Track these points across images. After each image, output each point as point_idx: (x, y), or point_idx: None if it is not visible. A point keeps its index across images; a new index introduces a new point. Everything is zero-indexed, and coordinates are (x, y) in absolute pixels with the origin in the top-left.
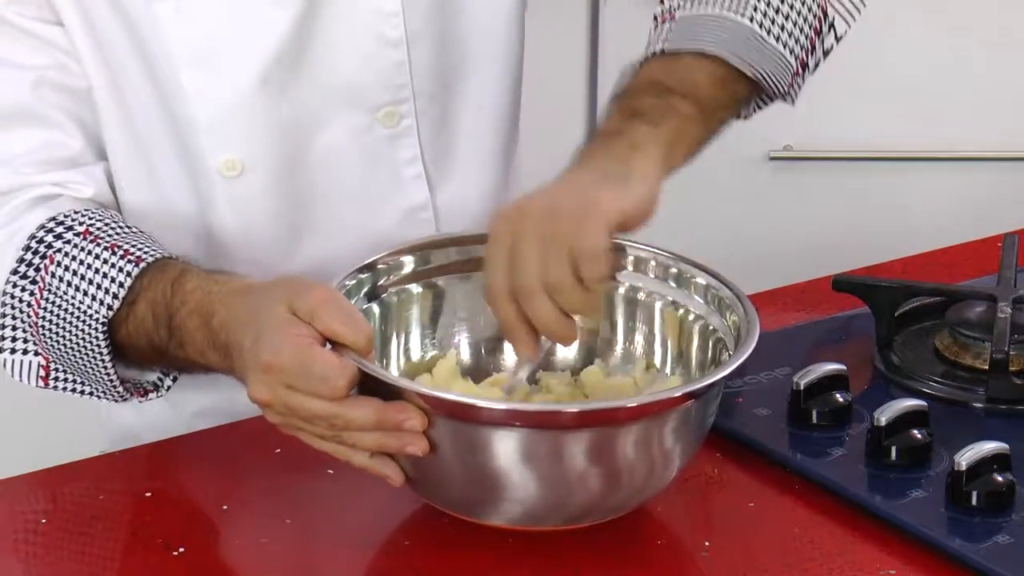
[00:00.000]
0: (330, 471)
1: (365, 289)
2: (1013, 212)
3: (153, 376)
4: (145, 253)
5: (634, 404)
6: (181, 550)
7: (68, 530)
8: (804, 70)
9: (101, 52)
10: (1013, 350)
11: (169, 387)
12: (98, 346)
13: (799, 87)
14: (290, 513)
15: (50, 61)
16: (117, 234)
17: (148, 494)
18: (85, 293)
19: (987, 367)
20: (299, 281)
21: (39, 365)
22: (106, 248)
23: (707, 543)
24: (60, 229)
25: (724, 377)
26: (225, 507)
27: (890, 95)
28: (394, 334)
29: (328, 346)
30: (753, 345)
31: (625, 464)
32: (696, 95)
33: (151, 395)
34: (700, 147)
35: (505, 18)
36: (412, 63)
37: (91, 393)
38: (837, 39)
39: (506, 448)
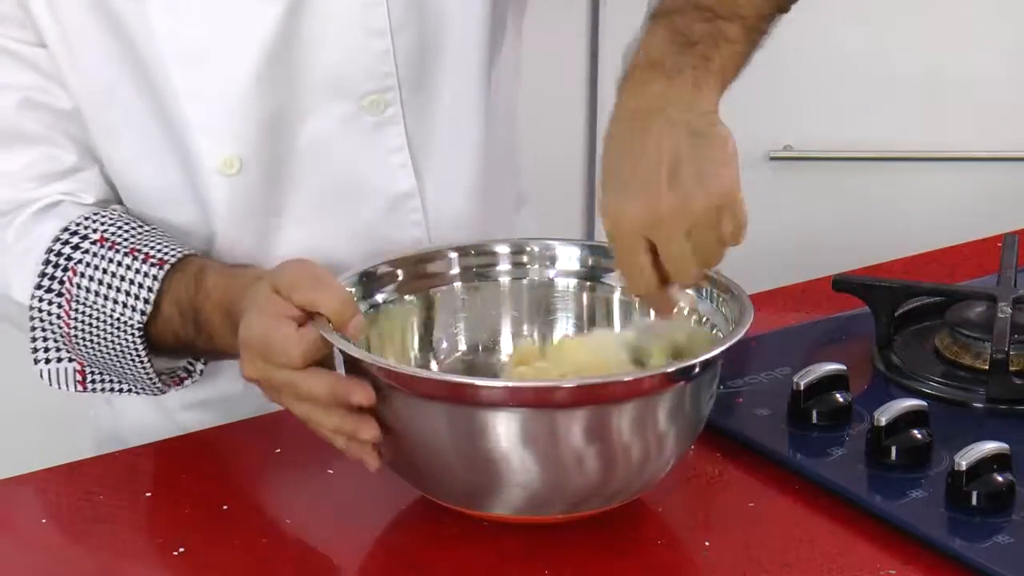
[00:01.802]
0: (330, 471)
1: (361, 296)
2: (1013, 212)
3: (183, 362)
4: (165, 254)
5: (629, 378)
6: (181, 550)
7: (68, 530)
8: None
9: (84, 68)
10: (1013, 350)
11: (201, 371)
12: (136, 350)
13: None
14: (290, 513)
15: (34, 82)
16: (133, 236)
17: (148, 494)
18: (115, 302)
19: (987, 367)
20: (286, 261)
21: (74, 370)
22: (127, 254)
23: (707, 543)
24: (76, 239)
25: (718, 355)
26: (225, 507)
27: (890, 95)
28: (390, 341)
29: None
30: (747, 326)
31: (620, 444)
32: (740, 14)
33: (186, 382)
34: (743, 69)
35: (479, 6)
36: (396, 52)
37: (129, 390)
38: None
39: (454, 423)
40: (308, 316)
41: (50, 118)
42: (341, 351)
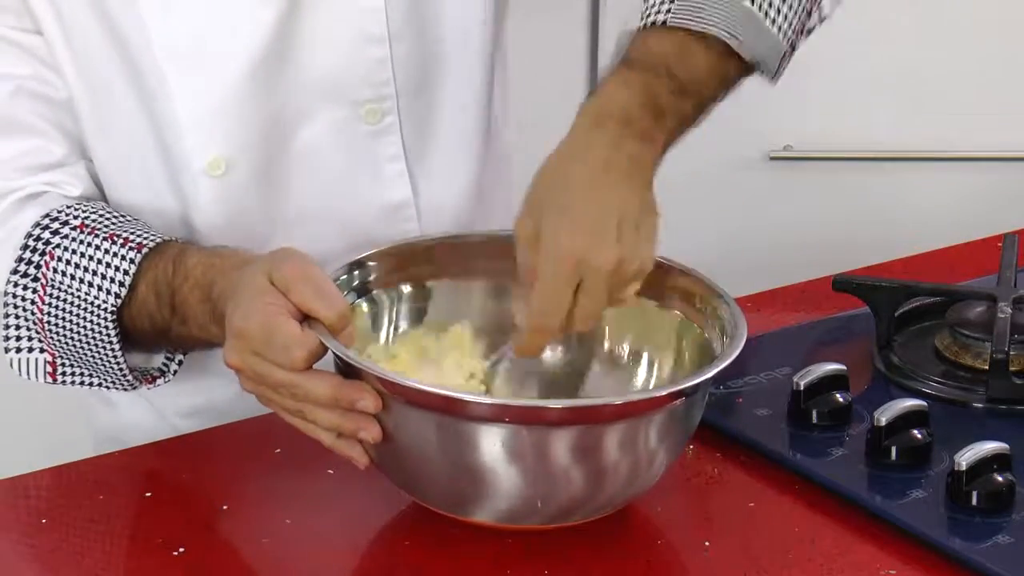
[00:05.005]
0: (330, 471)
1: (354, 285)
2: (1013, 212)
3: (158, 362)
4: (145, 239)
5: (620, 402)
6: (181, 550)
7: (68, 530)
8: (792, 51)
9: (81, 61)
10: (1013, 350)
11: (175, 371)
12: (107, 336)
13: (784, 68)
14: (290, 513)
15: (29, 71)
16: (113, 224)
17: (148, 494)
18: (90, 285)
19: (987, 367)
20: (283, 252)
21: (45, 361)
22: (105, 238)
23: (707, 543)
24: (56, 225)
25: (710, 378)
26: (225, 507)
27: (890, 95)
28: (382, 332)
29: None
30: (740, 346)
31: (609, 461)
32: (701, 95)
33: (158, 381)
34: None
35: (479, 16)
36: (395, 60)
37: (99, 384)
38: (821, 20)
39: (443, 434)
40: (303, 315)
41: (43, 108)
42: (338, 357)
